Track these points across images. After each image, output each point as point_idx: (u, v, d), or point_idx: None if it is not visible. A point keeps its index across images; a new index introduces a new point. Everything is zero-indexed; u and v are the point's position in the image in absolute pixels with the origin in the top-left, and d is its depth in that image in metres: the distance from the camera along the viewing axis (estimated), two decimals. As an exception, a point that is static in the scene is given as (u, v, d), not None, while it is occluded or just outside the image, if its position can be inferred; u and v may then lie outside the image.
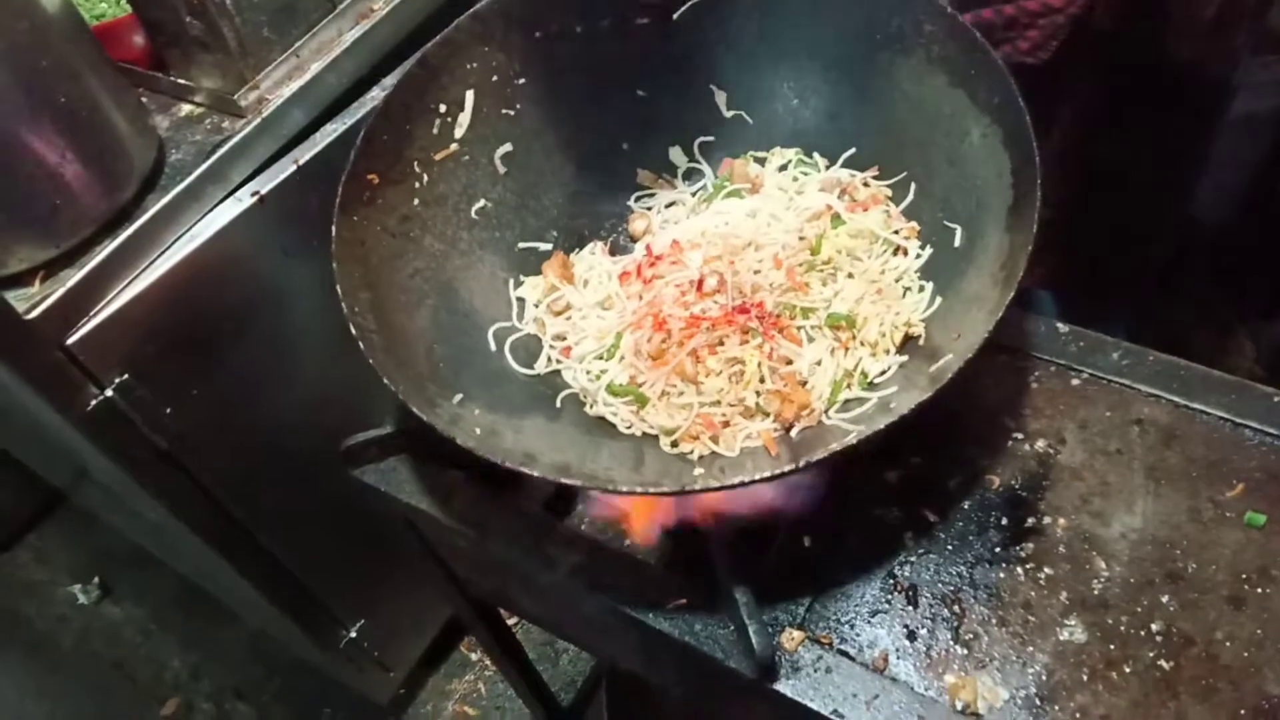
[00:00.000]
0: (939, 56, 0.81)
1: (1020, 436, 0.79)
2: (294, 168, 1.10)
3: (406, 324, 0.78)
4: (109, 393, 1.00)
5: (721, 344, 0.78)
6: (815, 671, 0.68)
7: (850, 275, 0.82)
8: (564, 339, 0.86)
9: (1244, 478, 0.74)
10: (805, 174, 0.92)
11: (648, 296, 0.84)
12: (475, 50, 0.87)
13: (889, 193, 0.88)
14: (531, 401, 0.81)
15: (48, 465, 1.83)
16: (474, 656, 1.85)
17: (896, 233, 0.85)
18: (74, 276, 0.96)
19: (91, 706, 1.91)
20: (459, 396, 0.74)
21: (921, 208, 0.86)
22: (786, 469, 0.64)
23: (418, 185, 0.84)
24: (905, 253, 0.84)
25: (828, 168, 0.92)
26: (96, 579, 2.05)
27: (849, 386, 0.76)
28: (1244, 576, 0.69)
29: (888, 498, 0.77)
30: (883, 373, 0.76)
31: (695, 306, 0.81)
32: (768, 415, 0.75)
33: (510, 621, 1.26)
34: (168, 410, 1.07)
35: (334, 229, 0.76)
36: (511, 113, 0.90)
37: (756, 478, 0.64)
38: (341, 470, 0.87)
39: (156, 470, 1.09)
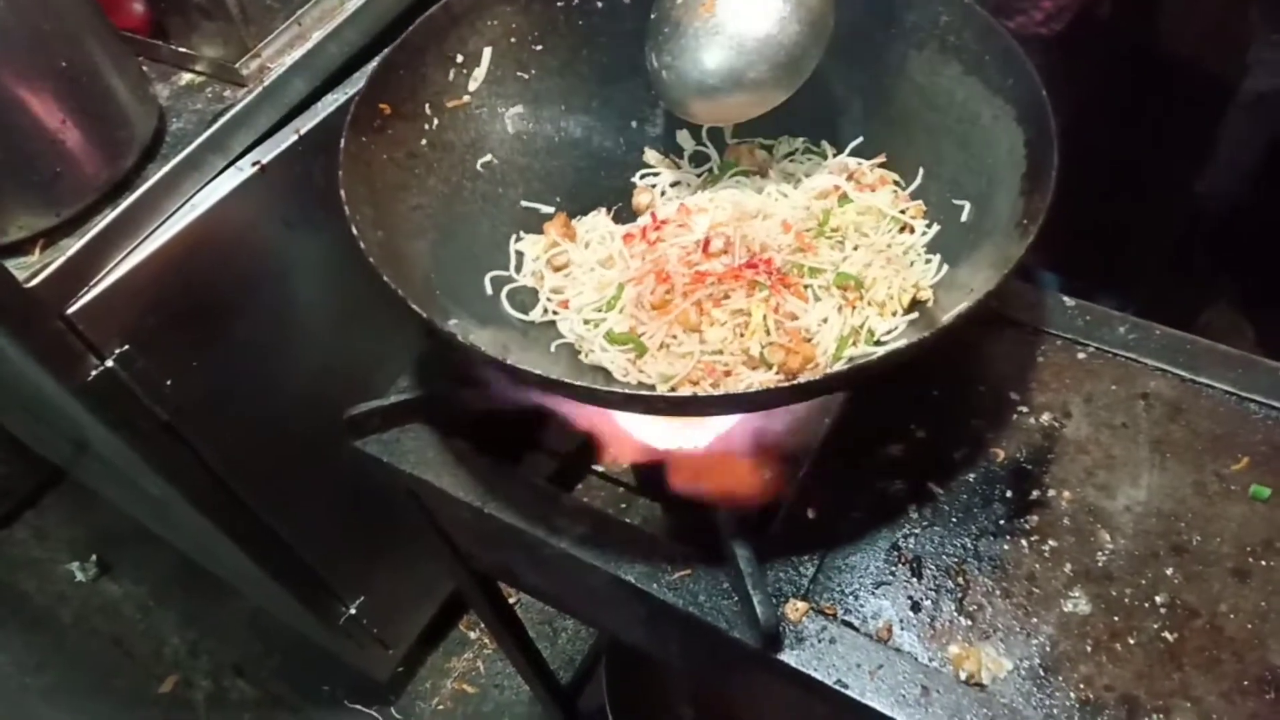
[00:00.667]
0: (953, 45, 0.82)
1: (1025, 410, 0.79)
2: (295, 137, 1.09)
3: (405, 248, 0.78)
4: (109, 363, 1.00)
5: (727, 297, 0.78)
6: (819, 642, 0.68)
7: (857, 247, 0.82)
8: (561, 293, 0.86)
9: (1249, 451, 0.74)
10: (812, 159, 0.92)
11: (651, 256, 0.83)
12: (498, 9, 0.88)
13: (897, 177, 0.88)
14: (524, 343, 0.81)
15: (46, 442, 1.83)
16: (473, 635, 1.86)
17: (903, 212, 0.84)
18: (74, 245, 0.95)
19: (90, 683, 1.91)
20: (453, 321, 0.74)
21: (929, 189, 0.86)
22: (776, 385, 0.64)
23: (427, 127, 0.85)
24: (912, 230, 0.84)
25: (835, 156, 0.92)
26: (95, 556, 2.05)
27: (855, 344, 0.76)
28: (1248, 549, 0.70)
29: (892, 470, 0.77)
30: (890, 331, 0.76)
31: (701, 265, 0.81)
32: (771, 367, 0.75)
33: (510, 600, 1.26)
34: (168, 382, 1.06)
35: (342, 143, 0.76)
36: (526, 76, 0.91)
37: (747, 390, 0.64)
38: (343, 445, 0.87)
39: (157, 442, 1.09)
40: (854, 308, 0.78)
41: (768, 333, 0.77)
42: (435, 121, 0.86)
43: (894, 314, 0.77)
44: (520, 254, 0.89)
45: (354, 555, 1.48)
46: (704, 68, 0.82)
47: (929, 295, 0.78)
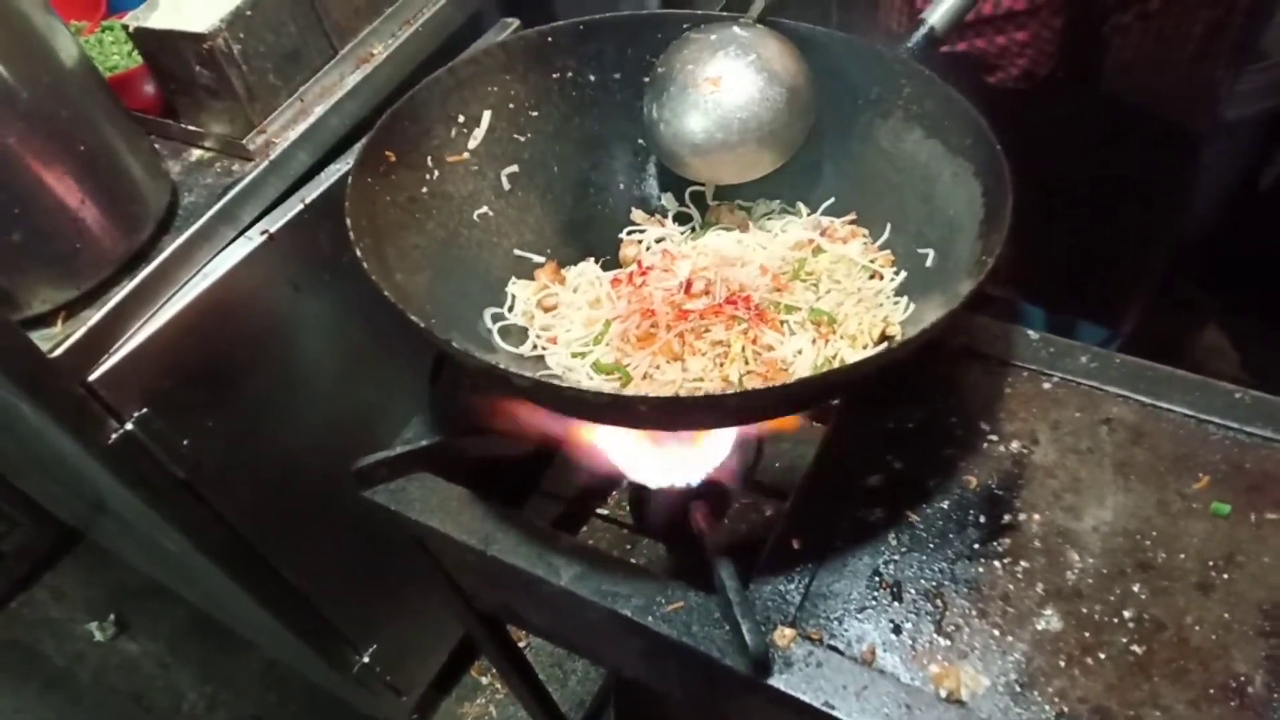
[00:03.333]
0: (916, 113, 0.88)
1: (995, 438, 0.83)
2: (301, 206, 1.14)
3: (404, 281, 0.82)
4: (129, 426, 1.04)
5: (708, 330, 0.84)
6: (807, 666, 0.71)
7: (830, 291, 0.87)
8: (550, 330, 0.92)
9: (1209, 470, 0.78)
10: (787, 218, 0.99)
11: (637, 297, 0.89)
12: (497, 76, 0.95)
13: (866, 231, 0.94)
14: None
15: (64, 503, 1.87)
16: (484, 680, 1.88)
17: (873, 261, 0.90)
18: (94, 316, 1.01)
19: (110, 740, 1.93)
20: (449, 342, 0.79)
21: (896, 241, 0.92)
22: (732, 391, 0.69)
23: (428, 177, 0.90)
24: (881, 277, 0.90)
25: (809, 214, 0.98)
26: (113, 615, 2.08)
27: None
28: (1211, 564, 0.73)
29: (872, 501, 0.80)
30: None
31: (684, 305, 0.86)
32: None
33: (520, 644, 1.29)
34: (185, 441, 1.11)
35: (349, 182, 0.81)
36: (522, 139, 0.97)
37: (724, 393, 0.69)
38: (353, 496, 0.90)
39: (175, 499, 1.13)
40: (827, 340, 0.83)
41: (746, 362, 0.82)
42: (436, 173, 0.91)
43: (864, 346, 0.82)
44: (513, 295, 0.95)
45: (366, 604, 1.51)
46: (699, 133, 0.90)
47: (898, 330, 0.83)
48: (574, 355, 0.88)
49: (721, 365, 0.82)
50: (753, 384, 0.80)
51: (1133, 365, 0.85)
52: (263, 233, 1.12)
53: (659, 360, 0.83)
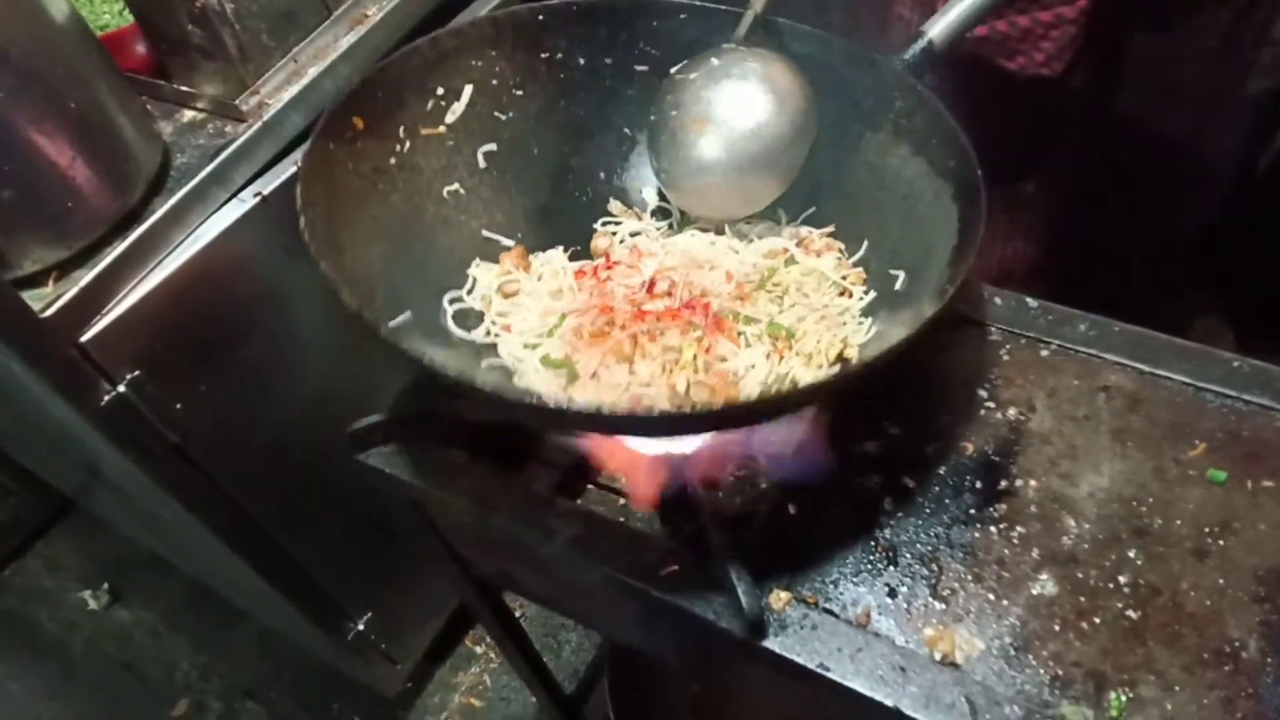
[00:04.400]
0: (905, 129, 0.85)
1: (993, 405, 0.83)
2: (294, 169, 1.13)
3: (356, 252, 0.79)
4: (121, 389, 1.04)
5: (663, 334, 0.81)
6: (801, 629, 0.71)
7: (794, 305, 0.86)
8: (506, 317, 0.89)
9: (1206, 438, 0.78)
10: (765, 224, 0.96)
11: (598, 291, 0.87)
12: (483, 51, 0.91)
13: (842, 246, 0.92)
14: (457, 357, 0.84)
15: (57, 472, 1.87)
16: (479, 649, 1.89)
17: (845, 278, 0.88)
18: (86, 276, 1.00)
19: (104, 708, 1.94)
20: (391, 324, 0.77)
21: (871, 259, 0.89)
22: (655, 413, 0.68)
23: (397, 148, 0.86)
24: (850, 295, 0.88)
25: (789, 223, 0.96)
26: (106, 584, 2.09)
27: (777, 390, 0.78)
28: (1206, 530, 0.73)
29: (868, 466, 0.80)
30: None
31: (645, 305, 0.84)
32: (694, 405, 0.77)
33: (515, 613, 1.29)
34: (178, 405, 1.10)
35: (307, 145, 0.77)
36: (503, 117, 0.93)
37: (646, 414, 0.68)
38: (348, 463, 0.90)
39: (168, 464, 1.13)
40: (782, 356, 0.81)
41: (696, 371, 0.79)
42: (407, 145, 0.87)
43: (819, 366, 0.80)
44: (474, 279, 0.92)
45: (361, 572, 1.51)
46: (695, 181, 0.89)
47: (855, 353, 0.81)
48: (526, 346, 0.85)
49: (670, 372, 0.80)
50: (700, 395, 0.77)
51: (1131, 333, 0.85)
52: (255, 195, 1.11)
53: (609, 360, 0.81)
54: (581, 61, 0.94)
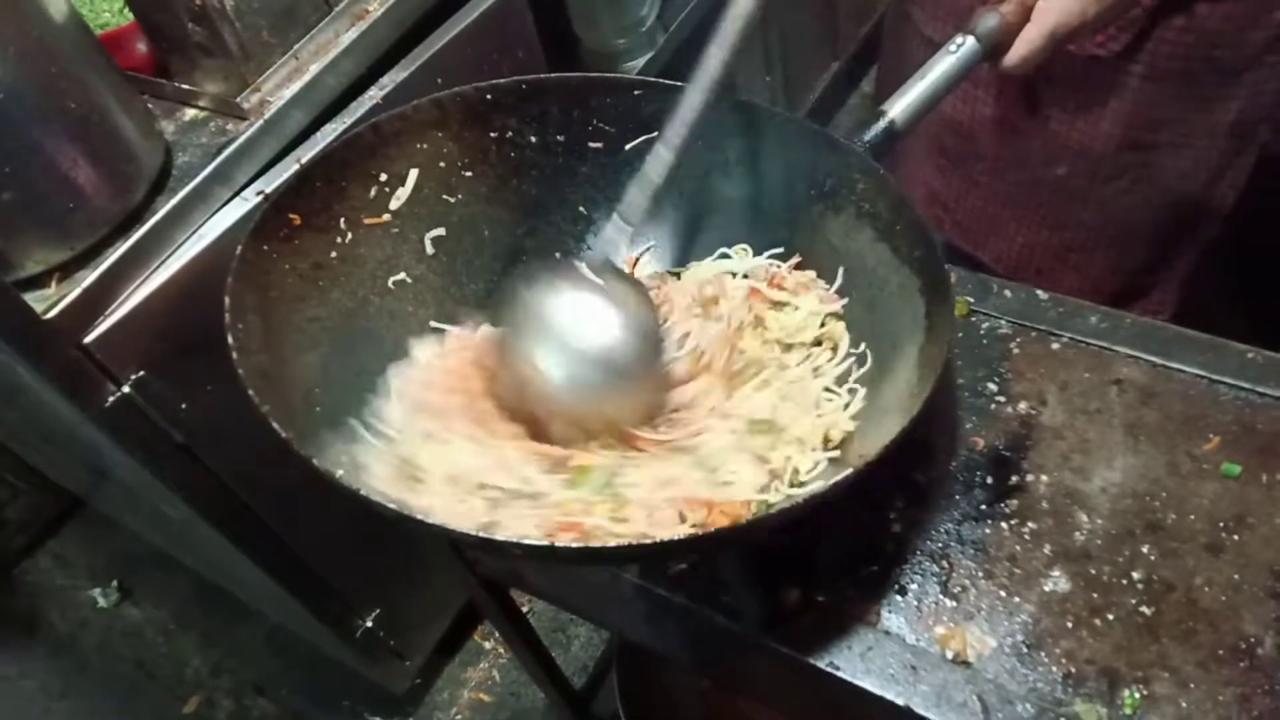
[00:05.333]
0: (868, 212, 0.80)
1: (1003, 399, 0.82)
2: (297, 167, 1.13)
3: (291, 360, 0.74)
4: (126, 389, 1.03)
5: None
6: (811, 627, 0.71)
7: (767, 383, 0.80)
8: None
9: (1219, 431, 0.77)
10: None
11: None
12: (429, 133, 0.85)
13: (814, 275, 0.86)
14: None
15: (65, 471, 1.87)
16: (488, 645, 1.89)
17: (823, 323, 0.82)
18: (89, 277, 0.99)
19: (115, 706, 1.95)
20: (331, 450, 0.72)
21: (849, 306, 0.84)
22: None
23: (339, 240, 0.81)
24: (835, 350, 0.82)
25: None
26: (116, 582, 2.09)
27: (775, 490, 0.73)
28: (1221, 525, 0.72)
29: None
30: (811, 470, 0.73)
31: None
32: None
33: (524, 610, 1.29)
34: (183, 405, 1.10)
35: (239, 249, 0.73)
36: (452, 200, 0.88)
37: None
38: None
39: (174, 464, 1.13)
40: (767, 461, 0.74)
41: None
42: (349, 235, 0.81)
43: (814, 449, 0.75)
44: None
45: (369, 569, 1.51)
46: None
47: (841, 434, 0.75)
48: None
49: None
50: (698, 516, 0.69)
51: (1143, 325, 0.84)
52: (258, 193, 1.10)
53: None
54: (533, 140, 0.89)
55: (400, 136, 0.84)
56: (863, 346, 0.80)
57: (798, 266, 0.87)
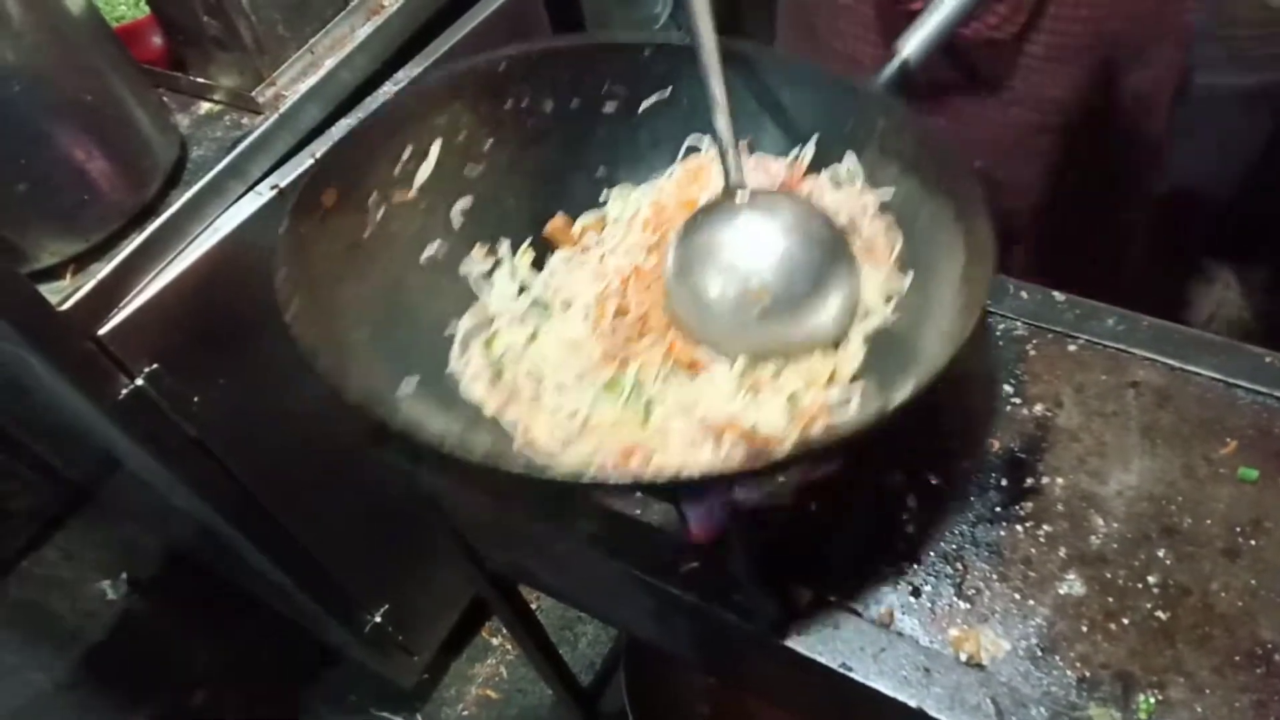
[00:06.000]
0: (892, 149, 0.81)
1: (1019, 401, 0.81)
2: (311, 161, 1.13)
3: (343, 338, 0.76)
4: (139, 382, 1.04)
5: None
6: (823, 627, 0.70)
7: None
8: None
9: (1237, 435, 0.76)
10: None
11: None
12: (447, 106, 0.86)
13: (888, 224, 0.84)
14: (479, 433, 0.79)
15: (75, 463, 1.88)
16: (495, 641, 1.89)
17: (888, 300, 0.80)
18: (103, 269, 1.00)
19: (123, 698, 1.95)
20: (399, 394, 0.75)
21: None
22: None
23: (370, 220, 0.82)
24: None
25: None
26: (125, 574, 2.09)
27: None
28: (1238, 529, 0.72)
29: (891, 463, 0.79)
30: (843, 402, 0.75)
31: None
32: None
33: (531, 606, 1.29)
34: (195, 399, 1.10)
35: (280, 233, 0.74)
36: (474, 171, 0.89)
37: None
38: (364, 456, 0.89)
39: (185, 457, 1.13)
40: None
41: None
42: (379, 214, 0.82)
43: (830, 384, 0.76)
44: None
45: (377, 564, 1.51)
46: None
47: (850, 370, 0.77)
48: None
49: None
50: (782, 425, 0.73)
51: (1160, 328, 0.83)
52: (272, 187, 1.10)
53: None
54: (548, 107, 0.90)
55: (421, 110, 0.85)
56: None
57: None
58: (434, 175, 0.85)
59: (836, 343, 0.79)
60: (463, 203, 0.88)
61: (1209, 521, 0.73)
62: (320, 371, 0.67)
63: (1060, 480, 0.76)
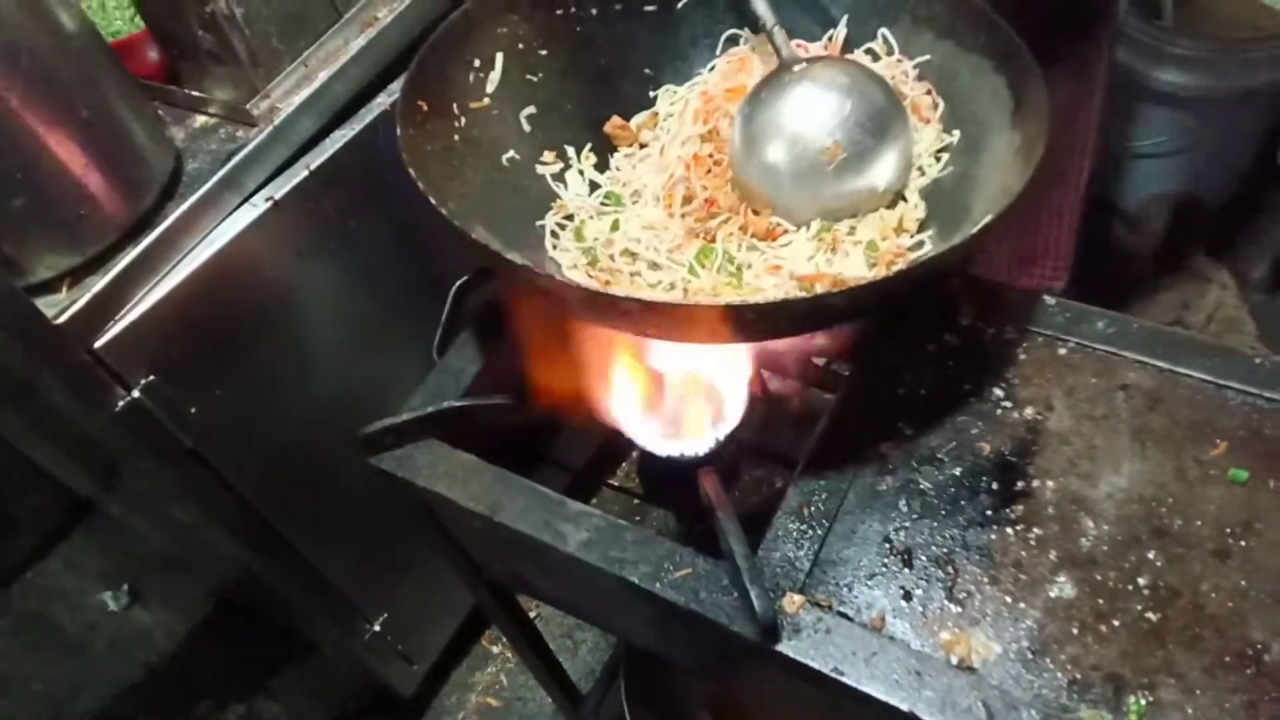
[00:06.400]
0: (924, 16, 0.89)
1: (1009, 405, 0.82)
2: (306, 173, 1.14)
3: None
4: (136, 393, 1.04)
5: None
6: (816, 633, 0.71)
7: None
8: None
9: (1227, 437, 0.77)
10: None
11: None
12: (505, 17, 0.95)
13: (928, 88, 0.91)
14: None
15: (76, 474, 1.88)
16: (495, 649, 1.89)
17: (939, 155, 0.88)
18: (99, 282, 1.00)
19: (125, 709, 1.95)
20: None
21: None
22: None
23: (456, 125, 0.90)
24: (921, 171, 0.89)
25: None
26: (126, 585, 2.09)
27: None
28: (1228, 531, 0.72)
29: (883, 467, 0.80)
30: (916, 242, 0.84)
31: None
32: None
33: (531, 614, 1.29)
34: (193, 410, 1.11)
35: (397, 133, 0.82)
36: (535, 79, 0.97)
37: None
38: (362, 465, 0.90)
39: (183, 468, 1.14)
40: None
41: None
42: (462, 120, 0.91)
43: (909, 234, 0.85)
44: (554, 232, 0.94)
45: (377, 573, 1.52)
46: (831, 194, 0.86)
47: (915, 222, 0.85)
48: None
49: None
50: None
51: (1150, 330, 0.84)
52: (267, 200, 1.11)
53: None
54: (594, 11, 0.98)
55: (484, 22, 0.93)
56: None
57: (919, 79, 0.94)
58: (501, 84, 0.94)
59: (894, 202, 0.87)
60: (529, 110, 0.96)
61: (1199, 523, 0.73)
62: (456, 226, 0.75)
63: (1051, 483, 0.76)
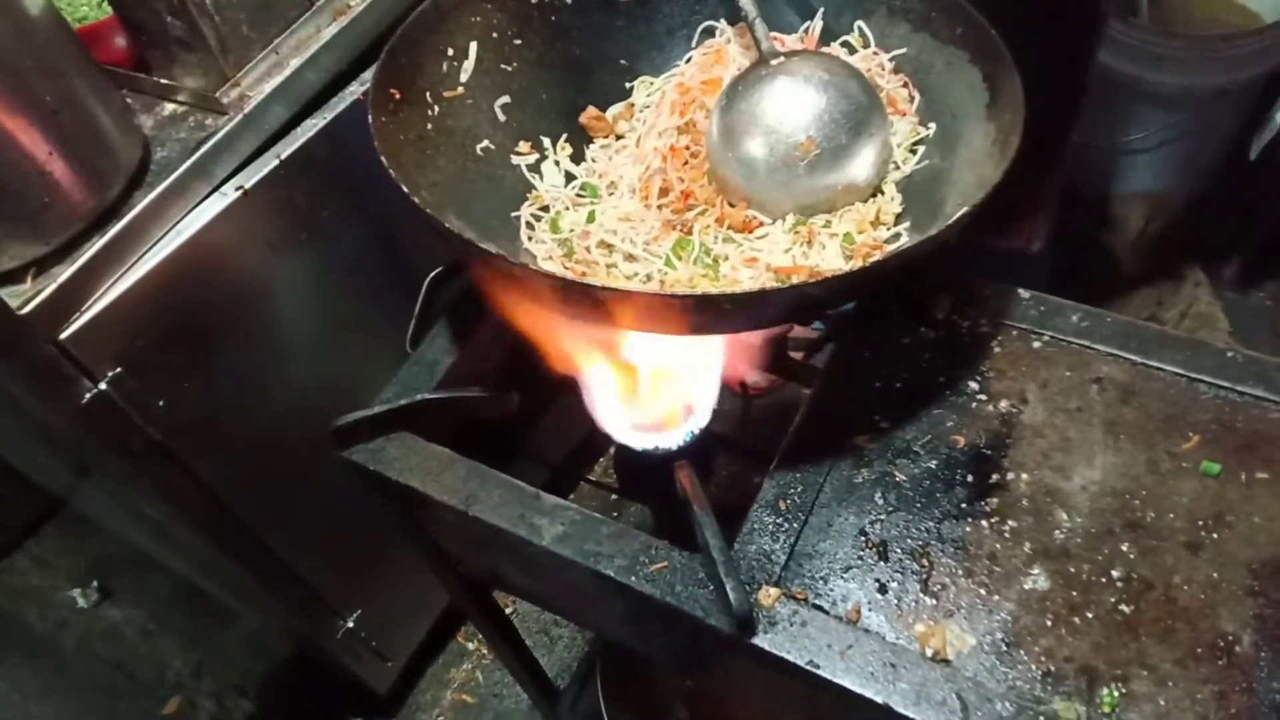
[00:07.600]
0: (899, 8, 0.90)
1: (984, 398, 0.82)
2: (276, 162, 1.12)
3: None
4: (103, 386, 1.02)
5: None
6: (791, 626, 0.70)
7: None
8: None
9: (1199, 430, 0.77)
10: None
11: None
12: (479, 5, 0.94)
13: (905, 81, 0.92)
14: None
15: (44, 470, 1.85)
16: (471, 646, 1.88)
17: (915, 147, 0.89)
18: (65, 273, 0.98)
19: (95, 708, 1.93)
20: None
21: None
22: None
23: (429, 113, 0.90)
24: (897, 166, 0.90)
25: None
26: (95, 582, 2.07)
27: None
28: (1200, 523, 0.72)
29: (858, 460, 0.79)
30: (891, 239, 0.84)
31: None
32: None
33: (507, 610, 1.28)
34: (160, 403, 1.09)
35: (370, 121, 0.81)
36: (509, 69, 0.96)
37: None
38: (334, 459, 0.89)
39: (151, 462, 1.12)
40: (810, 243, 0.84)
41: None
42: (435, 109, 0.90)
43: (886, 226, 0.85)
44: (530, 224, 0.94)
45: (350, 569, 1.50)
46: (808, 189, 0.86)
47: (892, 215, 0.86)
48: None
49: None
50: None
51: (1123, 324, 0.84)
52: (237, 189, 1.09)
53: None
54: (569, 1, 0.98)
55: (456, 10, 0.93)
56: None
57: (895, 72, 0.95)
58: (475, 73, 0.93)
59: (871, 194, 0.87)
60: (503, 99, 0.95)
61: (1172, 515, 0.73)
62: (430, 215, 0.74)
63: (1025, 476, 0.77)
